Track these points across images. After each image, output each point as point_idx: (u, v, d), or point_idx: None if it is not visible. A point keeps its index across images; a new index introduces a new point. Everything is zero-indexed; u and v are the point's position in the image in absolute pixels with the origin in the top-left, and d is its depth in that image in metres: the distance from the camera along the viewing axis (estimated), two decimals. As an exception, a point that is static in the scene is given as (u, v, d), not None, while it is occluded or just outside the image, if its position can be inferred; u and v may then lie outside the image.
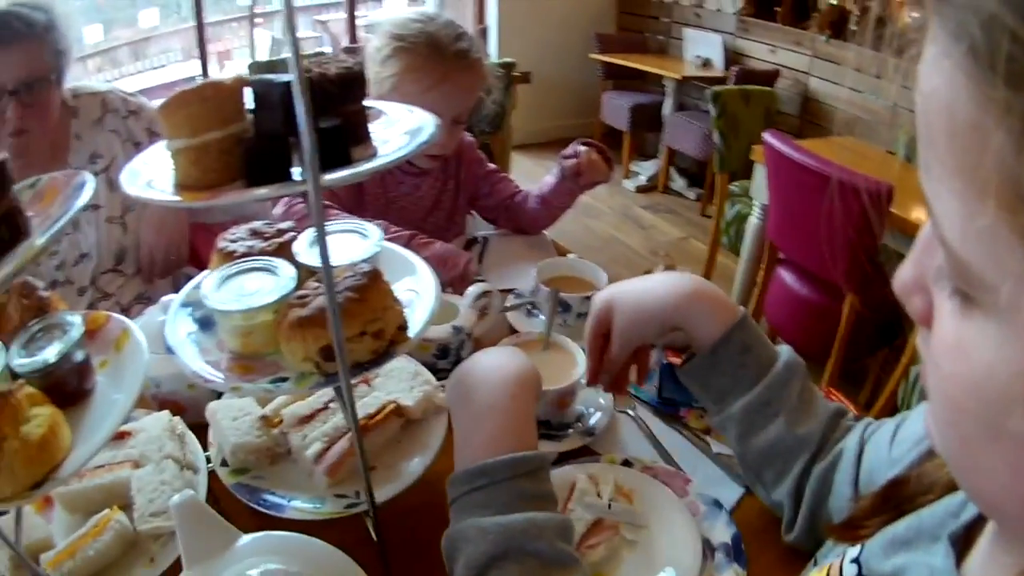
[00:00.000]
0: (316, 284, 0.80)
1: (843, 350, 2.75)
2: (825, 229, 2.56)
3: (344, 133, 0.70)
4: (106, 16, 5.85)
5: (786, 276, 3.02)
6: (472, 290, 1.37)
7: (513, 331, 1.41)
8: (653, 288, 0.99)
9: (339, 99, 0.74)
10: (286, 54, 0.58)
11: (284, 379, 0.75)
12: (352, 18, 5.84)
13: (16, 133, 1.59)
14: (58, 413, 0.74)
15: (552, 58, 6.34)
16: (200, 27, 5.05)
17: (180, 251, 1.92)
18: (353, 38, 5.80)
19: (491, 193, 1.96)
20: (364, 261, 0.84)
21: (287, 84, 0.65)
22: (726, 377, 0.94)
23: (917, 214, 2.53)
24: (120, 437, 1.02)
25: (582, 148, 1.80)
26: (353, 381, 0.75)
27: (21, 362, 0.77)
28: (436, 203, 1.90)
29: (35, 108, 1.60)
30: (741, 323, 0.94)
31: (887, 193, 2.35)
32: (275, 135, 0.66)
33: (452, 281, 1.50)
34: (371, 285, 0.76)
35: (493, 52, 6.22)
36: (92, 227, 1.79)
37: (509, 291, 1.53)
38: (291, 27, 0.55)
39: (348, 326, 0.72)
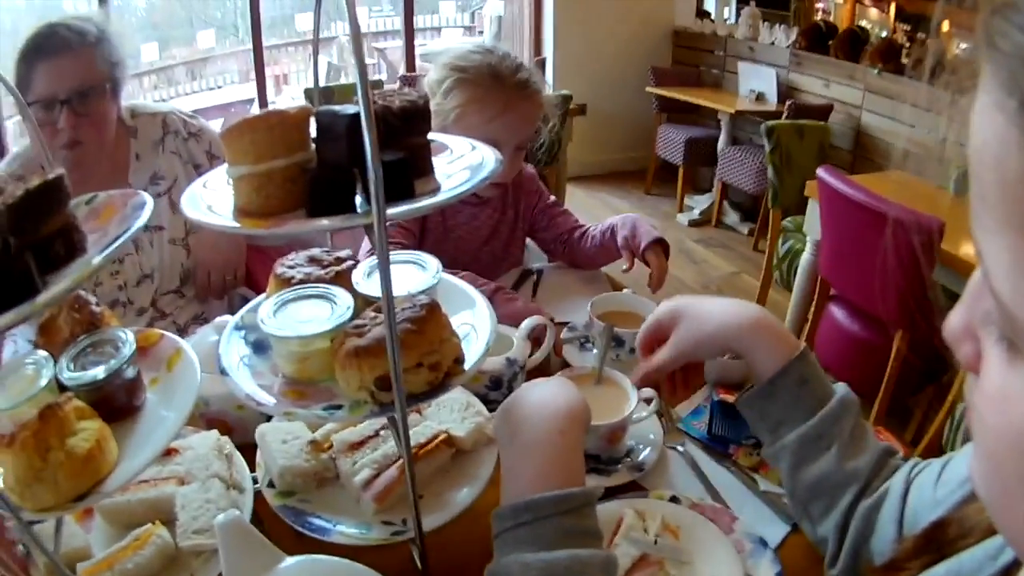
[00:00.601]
0: (373, 314, 0.80)
1: (891, 388, 2.72)
2: (877, 265, 2.52)
3: (408, 166, 0.70)
4: (163, 34, 6.01)
5: (837, 313, 2.98)
6: (526, 323, 1.36)
7: (566, 365, 1.40)
8: (719, 309, 1.01)
9: (403, 132, 0.75)
10: (344, 80, 0.58)
11: (338, 407, 0.76)
12: (411, 47, 5.91)
13: (70, 145, 1.62)
14: (105, 428, 0.75)
15: (608, 91, 6.36)
16: (258, 50, 5.14)
17: (237, 272, 1.95)
18: (411, 66, 5.87)
19: (549, 226, 1.95)
20: (422, 293, 0.84)
21: (352, 116, 0.66)
22: (782, 408, 0.95)
23: (967, 250, 2.50)
24: (167, 454, 1.02)
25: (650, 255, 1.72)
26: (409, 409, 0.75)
27: (71, 376, 0.79)
28: (494, 232, 1.90)
29: (89, 119, 1.63)
30: (801, 356, 0.95)
31: (938, 229, 2.33)
32: (339, 166, 0.68)
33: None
34: (429, 317, 0.76)
35: (550, 84, 6.25)
36: (155, 249, 1.82)
37: (563, 324, 1.53)
38: (360, 60, 0.56)
39: (405, 357, 0.72)
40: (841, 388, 0.96)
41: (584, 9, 6.25)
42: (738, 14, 6.50)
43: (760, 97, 5.61)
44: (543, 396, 0.89)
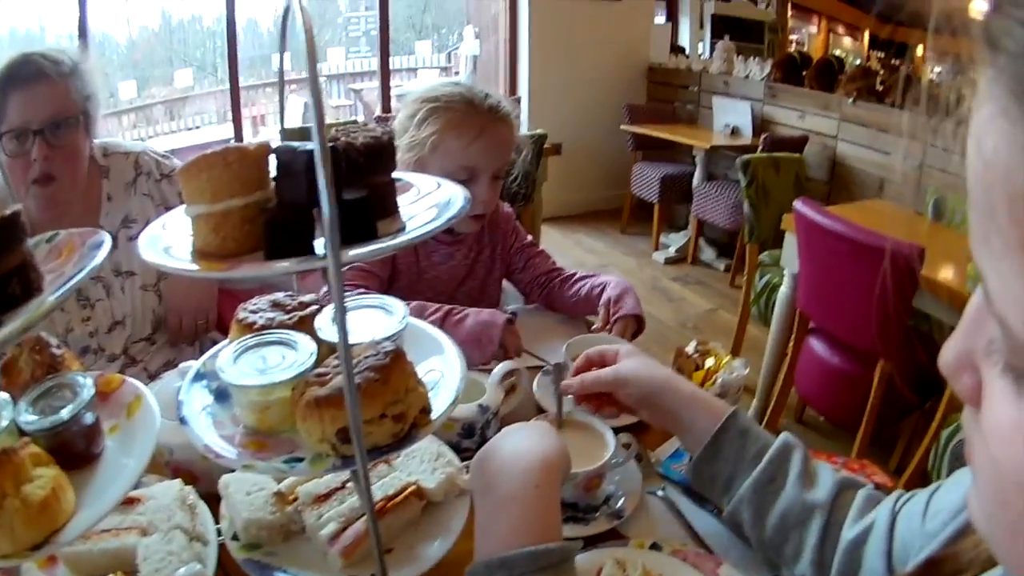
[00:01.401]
0: (336, 362, 0.77)
1: (874, 418, 2.72)
2: (857, 295, 2.53)
3: (369, 205, 0.67)
4: (143, 73, 5.99)
5: (816, 346, 2.98)
6: (499, 368, 1.33)
7: (540, 410, 1.36)
8: (666, 372, 1.11)
9: (366, 170, 0.72)
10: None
11: (299, 459, 0.72)
12: (386, 87, 5.93)
13: (42, 179, 1.58)
14: (62, 475, 0.72)
15: (583, 130, 6.40)
16: (235, 90, 5.13)
17: (208, 316, 1.90)
18: (387, 107, 5.88)
19: (526, 267, 1.93)
20: (388, 339, 0.81)
21: (311, 152, 0.63)
22: (730, 462, 0.98)
23: (946, 275, 2.53)
24: (129, 503, 0.99)
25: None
26: (371, 464, 0.71)
27: (29, 419, 0.75)
28: (470, 272, 1.87)
29: (61, 151, 1.59)
30: (735, 413, 1.01)
31: (918, 255, 2.32)
32: (298, 206, 0.64)
33: (493, 357, 1.47)
34: (393, 366, 0.72)
35: (524, 124, 6.28)
36: (127, 295, 1.78)
37: (538, 368, 1.49)
38: (315, 93, 0.53)
39: (368, 408, 0.68)
40: (783, 434, 1.00)
41: (559, 48, 6.30)
42: (712, 49, 6.57)
43: (735, 131, 5.67)
44: (518, 447, 0.86)
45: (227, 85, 5.16)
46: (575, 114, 6.43)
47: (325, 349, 0.82)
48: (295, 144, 0.65)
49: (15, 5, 4.59)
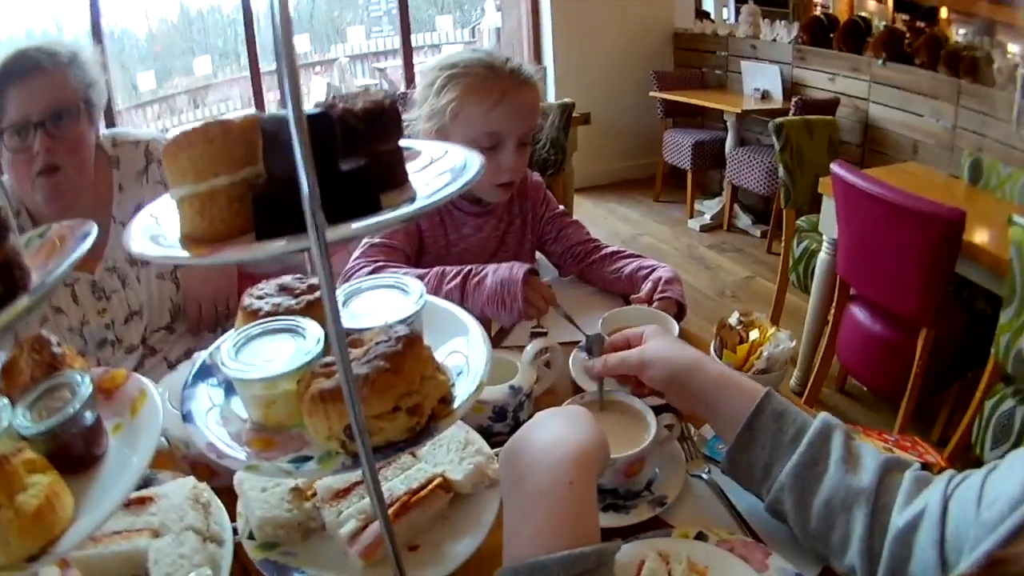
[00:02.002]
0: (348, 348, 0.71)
1: (918, 387, 2.63)
2: (897, 260, 2.44)
3: (369, 175, 0.60)
4: (164, 64, 5.98)
5: (858, 313, 2.88)
6: (531, 346, 1.26)
7: (578, 390, 1.29)
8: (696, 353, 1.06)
9: (367, 138, 0.65)
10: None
11: (307, 458, 0.66)
12: (409, 65, 5.87)
13: (46, 171, 1.55)
14: (59, 482, 0.68)
15: (611, 98, 6.27)
16: (255, 76, 5.10)
17: (229, 302, 1.85)
18: (411, 84, 5.81)
19: (559, 238, 1.85)
20: (402, 322, 0.74)
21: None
22: (768, 448, 0.93)
23: (984, 239, 2.45)
24: (141, 503, 0.94)
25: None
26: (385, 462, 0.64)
27: (24, 424, 0.72)
28: (500, 244, 1.80)
29: (64, 142, 1.56)
30: (769, 394, 0.95)
31: (959, 220, 2.24)
32: (288, 180, 0.57)
33: (523, 316, 1.40)
34: (407, 352, 0.66)
35: (551, 94, 6.18)
36: (143, 284, 1.74)
37: (573, 344, 1.41)
38: (287, 40, 0.46)
39: (379, 401, 0.62)
40: (821, 414, 0.94)
41: (582, 16, 6.17)
42: (737, 13, 6.42)
43: (765, 95, 5.53)
44: (549, 437, 0.79)
45: (248, 71, 5.14)
46: (602, 83, 6.30)
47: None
48: (282, 113, 0.58)
49: (30, 5, 4.58)
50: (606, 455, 0.83)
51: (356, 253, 1.58)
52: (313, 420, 0.65)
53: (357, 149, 0.62)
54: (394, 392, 0.64)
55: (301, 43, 6.97)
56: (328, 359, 0.69)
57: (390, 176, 0.68)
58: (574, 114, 3.63)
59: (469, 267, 1.48)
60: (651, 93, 6.09)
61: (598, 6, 6.20)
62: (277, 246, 0.56)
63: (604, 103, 5.83)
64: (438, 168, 0.74)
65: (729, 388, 0.98)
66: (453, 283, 1.45)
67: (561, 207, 1.91)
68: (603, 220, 5.79)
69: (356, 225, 0.57)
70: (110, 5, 4.50)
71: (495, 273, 1.43)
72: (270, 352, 0.73)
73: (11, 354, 0.84)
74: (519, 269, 1.41)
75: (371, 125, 0.65)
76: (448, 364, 0.78)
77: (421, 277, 1.47)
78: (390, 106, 0.67)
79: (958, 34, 5.09)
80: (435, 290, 1.45)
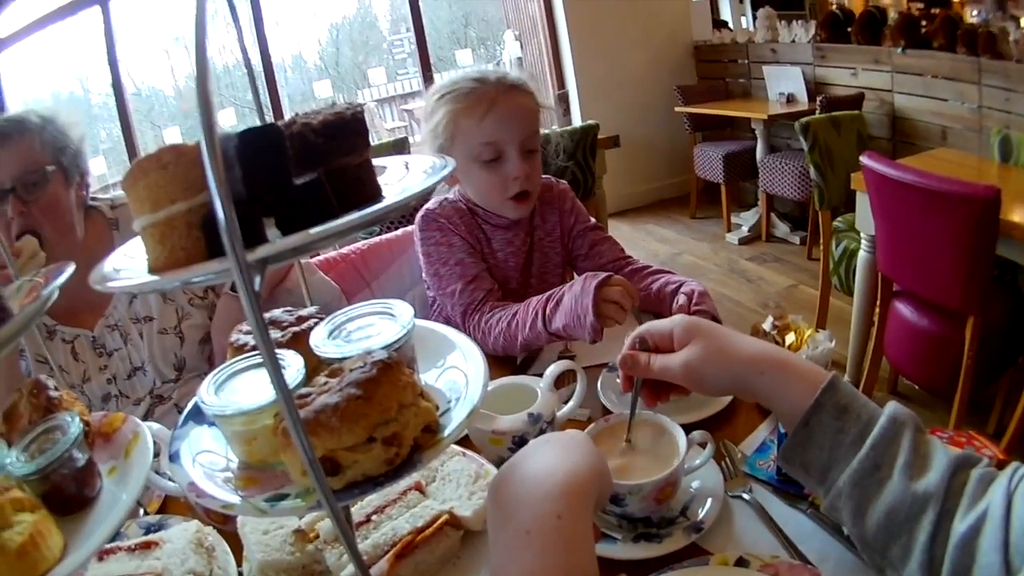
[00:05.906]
0: (324, 379, 0.66)
1: (970, 379, 2.51)
2: (936, 248, 2.36)
3: (325, 187, 0.57)
4: (193, 120, 6.13)
5: (903, 310, 2.79)
6: (551, 370, 1.17)
7: (607, 411, 1.23)
8: (743, 342, 0.90)
9: (327, 152, 0.61)
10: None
11: (283, 496, 0.61)
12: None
13: (23, 234, 1.54)
14: (46, 521, 0.69)
15: (638, 119, 6.26)
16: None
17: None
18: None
19: (591, 254, 1.77)
20: (384, 348, 0.70)
21: (242, 135, 0.54)
22: (826, 448, 0.80)
23: (1022, 216, 2.35)
24: (147, 547, 0.93)
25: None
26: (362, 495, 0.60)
27: (15, 465, 0.74)
28: (528, 258, 1.76)
29: (38, 206, 1.57)
30: (831, 384, 0.82)
31: (995, 197, 2.16)
32: (237, 198, 0.54)
33: (596, 331, 1.33)
34: (380, 379, 0.61)
35: (576, 118, 6.17)
36: (144, 341, 1.72)
37: (601, 366, 1.35)
38: (200, 42, 0.42)
39: (351, 432, 0.58)
40: (890, 405, 0.81)
41: (600, 39, 6.19)
42: (755, 19, 6.38)
43: (791, 99, 5.47)
44: (537, 468, 0.72)
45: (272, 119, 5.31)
46: (628, 104, 6.29)
47: (324, 367, 0.72)
48: (226, 130, 0.55)
49: (56, 69, 4.70)
50: (607, 481, 0.76)
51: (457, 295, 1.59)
52: (287, 455, 0.61)
53: (315, 163, 0.59)
54: (367, 421, 0.59)
55: (323, 89, 7.07)
56: (305, 390, 0.64)
57: (359, 190, 0.64)
58: (600, 136, 3.60)
59: (552, 291, 1.45)
60: (677, 108, 6.04)
61: (615, 27, 6.20)
62: (219, 265, 0.52)
63: (632, 124, 5.83)
64: (417, 170, 0.71)
65: (788, 379, 0.85)
66: (535, 307, 1.44)
67: (593, 220, 1.84)
68: (641, 242, 5.74)
69: (263, 250, 0.52)
70: (137, 65, 4.61)
71: (571, 289, 1.40)
72: (250, 387, 0.70)
73: (12, 399, 0.87)
74: (591, 281, 1.35)
75: (330, 138, 0.61)
76: (444, 390, 0.74)
77: (516, 312, 1.48)
78: (352, 117, 0.64)
79: (972, 15, 5.02)
80: (525, 319, 1.44)
